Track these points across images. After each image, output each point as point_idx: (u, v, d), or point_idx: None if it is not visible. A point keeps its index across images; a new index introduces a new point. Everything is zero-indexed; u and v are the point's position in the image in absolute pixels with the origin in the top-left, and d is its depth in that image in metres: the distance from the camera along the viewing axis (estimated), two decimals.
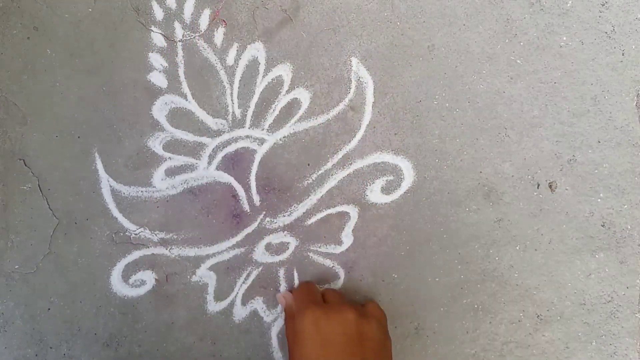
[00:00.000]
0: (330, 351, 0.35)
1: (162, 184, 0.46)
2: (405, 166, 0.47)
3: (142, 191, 0.46)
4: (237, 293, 0.47)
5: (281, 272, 0.47)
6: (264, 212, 0.47)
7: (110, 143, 0.45)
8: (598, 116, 0.47)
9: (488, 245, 0.48)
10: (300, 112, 0.46)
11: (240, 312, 0.47)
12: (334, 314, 0.37)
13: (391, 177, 0.47)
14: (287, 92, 0.46)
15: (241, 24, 0.46)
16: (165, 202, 0.46)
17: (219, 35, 0.46)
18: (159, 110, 0.45)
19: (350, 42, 0.46)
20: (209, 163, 0.46)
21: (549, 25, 0.47)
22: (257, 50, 0.46)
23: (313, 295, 0.41)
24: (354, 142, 0.47)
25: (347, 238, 0.47)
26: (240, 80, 0.46)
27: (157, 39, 0.45)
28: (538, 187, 0.48)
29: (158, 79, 0.45)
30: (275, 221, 0.47)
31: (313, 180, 0.47)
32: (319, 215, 0.47)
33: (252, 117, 0.46)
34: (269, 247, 0.47)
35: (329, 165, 0.47)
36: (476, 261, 0.48)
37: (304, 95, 0.46)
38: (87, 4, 0.45)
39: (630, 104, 0.47)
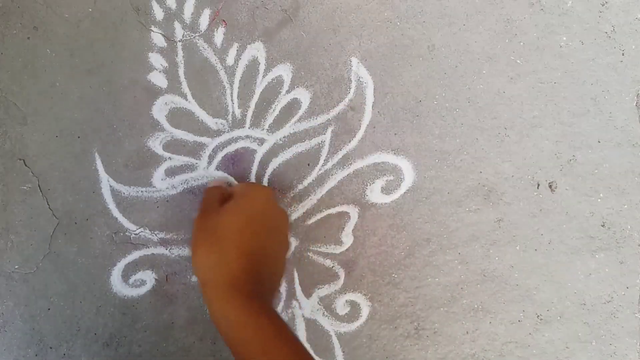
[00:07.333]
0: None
1: (162, 184, 0.46)
2: (405, 166, 0.47)
3: (142, 191, 0.46)
4: None
5: None
6: None
7: (110, 143, 0.45)
8: (598, 116, 0.47)
9: (488, 245, 0.48)
10: (300, 112, 0.46)
11: None
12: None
13: (391, 177, 0.47)
14: (287, 92, 0.46)
15: (241, 24, 0.46)
16: (165, 202, 0.46)
17: (219, 35, 0.46)
18: (159, 110, 0.45)
19: (350, 42, 0.46)
20: (209, 163, 0.46)
21: (549, 25, 0.47)
22: (257, 50, 0.46)
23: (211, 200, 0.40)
24: (354, 142, 0.47)
25: (347, 238, 0.47)
26: (240, 80, 0.46)
27: (157, 39, 0.45)
28: (538, 187, 0.48)
29: (158, 79, 0.45)
30: None
31: (313, 180, 0.47)
32: (319, 215, 0.47)
33: (252, 117, 0.46)
34: None
35: (329, 165, 0.47)
36: (476, 261, 0.48)
37: (304, 95, 0.46)
38: (87, 4, 0.45)
39: (630, 104, 0.47)
